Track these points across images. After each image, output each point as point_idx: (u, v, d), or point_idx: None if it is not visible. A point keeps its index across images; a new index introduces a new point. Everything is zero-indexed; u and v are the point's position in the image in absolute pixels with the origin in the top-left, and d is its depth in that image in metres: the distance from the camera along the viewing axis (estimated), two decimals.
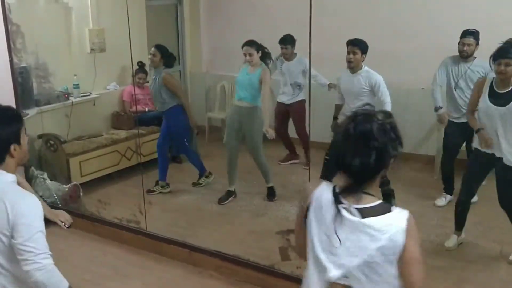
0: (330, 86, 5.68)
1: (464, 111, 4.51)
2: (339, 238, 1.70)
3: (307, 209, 1.81)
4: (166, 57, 5.30)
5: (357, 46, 4.65)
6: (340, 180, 1.75)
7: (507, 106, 3.66)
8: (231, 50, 7.23)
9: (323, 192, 1.77)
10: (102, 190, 5.56)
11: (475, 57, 4.68)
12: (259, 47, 5.05)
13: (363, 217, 1.68)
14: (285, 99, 6.01)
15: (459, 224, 4.21)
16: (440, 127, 5.62)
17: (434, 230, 4.47)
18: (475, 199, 4.37)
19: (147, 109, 6.42)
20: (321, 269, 1.76)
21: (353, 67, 4.69)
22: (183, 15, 7.52)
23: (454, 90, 4.78)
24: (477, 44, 4.62)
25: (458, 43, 4.69)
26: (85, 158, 5.58)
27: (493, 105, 3.72)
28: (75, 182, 5.27)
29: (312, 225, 1.78)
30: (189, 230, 4.54)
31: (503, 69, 3.63)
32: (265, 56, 5.10)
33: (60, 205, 5.07)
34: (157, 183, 5.49)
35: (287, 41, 5.78)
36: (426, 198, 5.11)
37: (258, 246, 4.18)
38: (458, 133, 4.76)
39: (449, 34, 5.66)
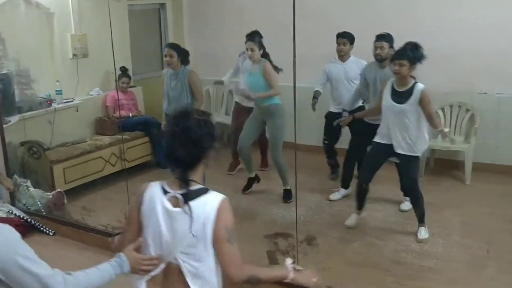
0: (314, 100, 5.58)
1: None
2: (165, 230, 1.97)
3: (139, 207, 2.06)
4: (184, 55, 4.91)
5: (346, 38, 5.22)
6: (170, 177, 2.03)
7: (405, 103, 4.09)
8: (216, 54, 7.24)
9: (153, 190, 2.04)
10: (86, 197, 5.50)
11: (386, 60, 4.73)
12: (260, 43, 5.00)
13: (186, 201, 1.95)
14: (244, 101, 5.75)
15: (359, 205, 4.55)
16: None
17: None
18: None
19: (130, 114, 6.37)
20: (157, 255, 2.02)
21: (343, 56, 5.25)
22: (166, 20, 7.49)
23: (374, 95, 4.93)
24: (391, 47, 4.72)
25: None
26: (69, 165, 5.52)
27: (394, 102, 4.14)
28: (59, 189, 5.21)
29: (147, 219, 2.03)
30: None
31: (397, 69, 4.05)
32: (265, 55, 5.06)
33: (44, 213, 5.01)
34: None
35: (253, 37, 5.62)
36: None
37: (246, 250, 4.14)
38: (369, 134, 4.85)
39: (433, 35, 5.73)
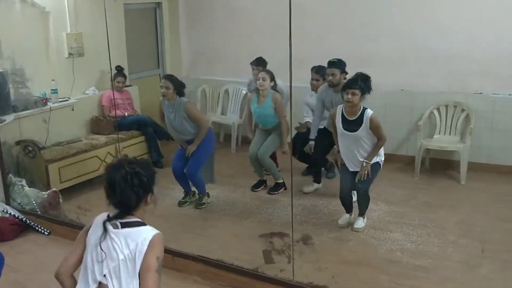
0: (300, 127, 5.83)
1: None
2: (103, 251, 2.18)
3: (88, 230, 2.29)
4: (179, 87, 4.95)
5: (319, 74, 5.38)
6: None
7: (358, 131, 4.27)
8: (211, 54, 7.25)
9: (100, 218, 2.28)
10: (82, 196, 5.49)
11: None
12: (272, 74, 5.25)
13: (123, 227, 2.20)
14: None
15: (348, 209, 4.70)
16: (420, 128, 5.72)
17: (415, 230, 4.50)
18: None
19: (126, 114, 6.37)
20: (91, 273, 2.21)
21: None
22: (162, 19, 7.48)
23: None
24: (342, 72, 4.94)
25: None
26: (64, 164, 5.50)
27: (346, 131, 4.34)
28: (54, 189, 5.20)
29: (89, 241, 2.25)
30: (172, 235, 4.49)
31: (350, 98, 4.20)
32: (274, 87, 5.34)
33: (39, 212, 5.00)
34: (186, 195, 5.34)
35: (260, 63, 5.74)
36: (407, 198, 5.15)
37: (242, 250, 4.16)
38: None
39: (427, 36, 5.77)
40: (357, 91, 4.18)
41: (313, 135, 5.33)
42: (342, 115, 4.36)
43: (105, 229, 2.21)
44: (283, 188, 5.43)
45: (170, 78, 5.01)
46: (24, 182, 5.17)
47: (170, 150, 5.56)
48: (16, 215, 4.85)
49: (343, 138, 4.42)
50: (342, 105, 4.39)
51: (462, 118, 5.78)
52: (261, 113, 5.32)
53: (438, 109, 5.90)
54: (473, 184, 5.48)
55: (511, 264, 3.92)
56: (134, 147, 6.22)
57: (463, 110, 5.77)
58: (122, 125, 6.13)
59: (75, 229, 4.68)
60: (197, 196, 5.29)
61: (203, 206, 5.20)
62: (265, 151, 5.35)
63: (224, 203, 5.28)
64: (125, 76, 6.44)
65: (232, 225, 4.84)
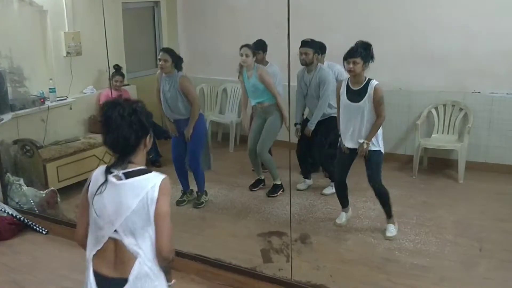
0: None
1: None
2: (108, 202, 2.07)
3: (88, 188, 2.17)
4: (178, 60, 4.89)
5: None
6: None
7: (359, 102, 4.15)
8: (209, 53, 7.25)
9: (98, 171, 2.17)
10: (80, 196, 5.46)
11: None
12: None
13: (127, 178, 2.07)
14: None
15: (343, 203, 4.67)
16: (418, 127, 5.73)
17: (413, 229, 4.50)
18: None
19: None
20: (98, 230, 2.11)
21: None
22: (160, 18, 7.48)
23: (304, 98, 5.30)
24: (315, 52, 5.01)
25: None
26: (62, 163, 5.50)
27: (350, 101, 4.21)
28: (52, 188, 5.19)
29: (92, 198, 2.12)
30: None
31: (351, 67, 4.09)
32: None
33: (37, 212, 4.99)
34: (184, 194, 5.34)
35: (259, 46, 5.65)
36: (405, 197, 5.16)
37: (240, 249, 4.16)
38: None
39: (425, 36, 5.78)
40: (358, 60, 4.06)
41: (298, 118, 5.34)
42: (347, 85, 4.25)
43: (110, 180, 2.09)
44: (281, 190, 5.40)
45: (168, 51, 4.95)
46: (22, 181, 5.17)
47: (168, 149, 5.55)
48: (14, 214, 4.84)
49: (345, 110, 4.27)
50: (348, 76, 4.26)
51: (460, 117, 5.79)
52: (253, 85, 5.19)
53: (436, 108, 5.91)
54: (471, 183, 5.49)
55: (508, 263, 3.93)
56: None
57: (461, 109, 5.78)
58: None
59: (73, 229, 4.63)
60: (195, 195, 5.29)
61: (202, 206, 5.19)
62: (263, 145, 5.29)
63: (222, 202, 5.28)
64: (123, 75, 6.43)
65: (230, 224, 4.84)
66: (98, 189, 2.09)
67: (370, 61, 4.13)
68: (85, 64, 6.16)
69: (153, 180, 2.07)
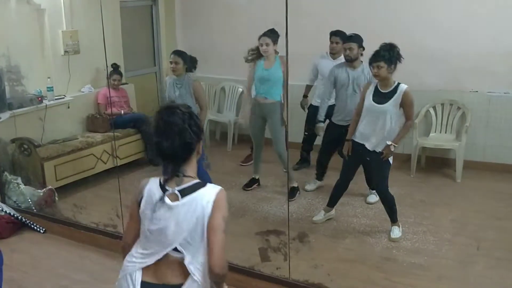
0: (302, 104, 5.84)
1: None
2: (164, 224, 2.02)
3: (140, 202, 2.10)
4: (189, 62, 4.93)
5: (339, 37, 5.28)
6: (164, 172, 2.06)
7: (387, 103, 4.10)
8: (207, 51, 7.22)
9: (152, 185, 2.08)
10: (78, 194, 5.49)
11: None
12: (276, 38, 5.03)
13: (183, 195, 2.01)
14: None
15: (332, 202, 4.67)
16: (416, 126, 5.73)
17: (411, 228, 4.51)
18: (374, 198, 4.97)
19: (122, 112, 6.35)
20: (152, 246, 2.07)
21: (335, 54, 5.36)
22: (158, 16, 7.46)
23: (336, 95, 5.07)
24: (360, 47, 4.80)
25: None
26: (60, 162, 5.49)
27: (374, 103, 4.15)
28: (50, 187, 5.19)
29: (146, 215, 2.07)
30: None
31: (376, 71, 4.06)
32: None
33: (35, 210, 4.98)
34: None
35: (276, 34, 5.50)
36: (402, 196, 5.16)
37: (238, 248, 4.15)
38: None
39: (423, 35, 5.77)
40: (382, 63, 4.01)
41: (322, 115, 5.13)
42: (376, 87, 4.20)
43: (164, 200, 2.03)
44: (298, 193, 5.31)
45: (179, 53, 4.97)
46: (19, 180, 5.16)
47: None
48: (12, 213, 4.83)
49: (368, 113, 4.21)
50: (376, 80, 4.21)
51: (458, 116, 5.79)
52: (269, 76, 5.06)
53: (434, 108, 5.91)
54: (469, 182, 5.50)
55: (505, 262, 3.94)
56: (130, 145, 6.21)
57: (459, 108, 5.79)
58: (118, 123, 6.11)
59: (70, 227, 4.68)
60: None
61: None
62: (281, 145, 5.12)
63: None
64: (121, 74, 6.43)
65: (228, 222, 4.83)
66: (154, 207, 2.04)
67: (398, 62, 4.05)
68: (83, 62, 6.15)
69: (208, 195, 2.03)
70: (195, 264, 2.04)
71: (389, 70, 4.04)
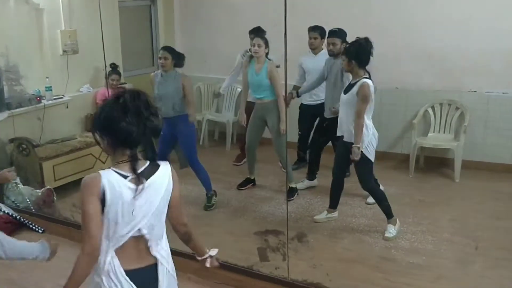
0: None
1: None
2: (131, 208, 2.02)
3: (103, 198, 2.01)
4: (177, 58, 4.94)
5: (317, 32, 5.39)
6: (118, 157, 2.05)
7: (346, 94, 4.25)
8: (206, 51, 7.23)
9: (108, 177, 2.01)
10: (76, 194, 5.45)
11: None
12: (267, 42, 5.05)
13: (146, 178, 2.04)
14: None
15: (333, 203, 4.68)
16: (415, 126, 5.74)
17: (410, 228, 4.51)
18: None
19: None
20: (117, 232, 2.06)
21: (315, 49, 5.44)
22: (157, 16, 7.46)
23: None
24: (343, 42, 4.81)
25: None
26: (58, 162, 5.48)
27: (343, 93, 4.33)
28: (48, 187, 5.18)
29: (108, 206, 2.01)
30: (166, 233, 4.51)
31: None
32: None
33: (33, 210, 4.98)
34: None
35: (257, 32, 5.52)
36: (401, 196, 5.17)
37: (237, 248, 4.16)
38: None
39: (421, 34, 5.78)
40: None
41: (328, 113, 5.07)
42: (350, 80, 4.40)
43: (129, 187, 2.01)
44: (297, 193, 5.30)
45: (168, 48, 5.00)
46: (18, 180, 5.13)
47: None
48: (10, 213, 4.83)
49: (340, 101, 4.40)
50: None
51: (456, 116, 5.80)
52: (259, 81, 5.07)
53: (432, 107, 5.92)
54: (467, 182, 5.50)
55: (504, 261, 3.95)
56: None
57: (457, 108, 5.79)
58: None
59: (69, 227, 4.68)
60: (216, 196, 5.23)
61: (212, 208, 5.10)
62: (282, 146, 5.09)
63: (219, 201, 5.26)
64: (119, 74, 6.42)
65: (226, 223, 4.84)
66: (135, 196, 2.01)
67: (363, 59, 4.16)
68: (81, 62, 6.15)
69: (166, 174, 2.13)
70: (159, 236, 2.19)
71: (350, 63, 4.18)
